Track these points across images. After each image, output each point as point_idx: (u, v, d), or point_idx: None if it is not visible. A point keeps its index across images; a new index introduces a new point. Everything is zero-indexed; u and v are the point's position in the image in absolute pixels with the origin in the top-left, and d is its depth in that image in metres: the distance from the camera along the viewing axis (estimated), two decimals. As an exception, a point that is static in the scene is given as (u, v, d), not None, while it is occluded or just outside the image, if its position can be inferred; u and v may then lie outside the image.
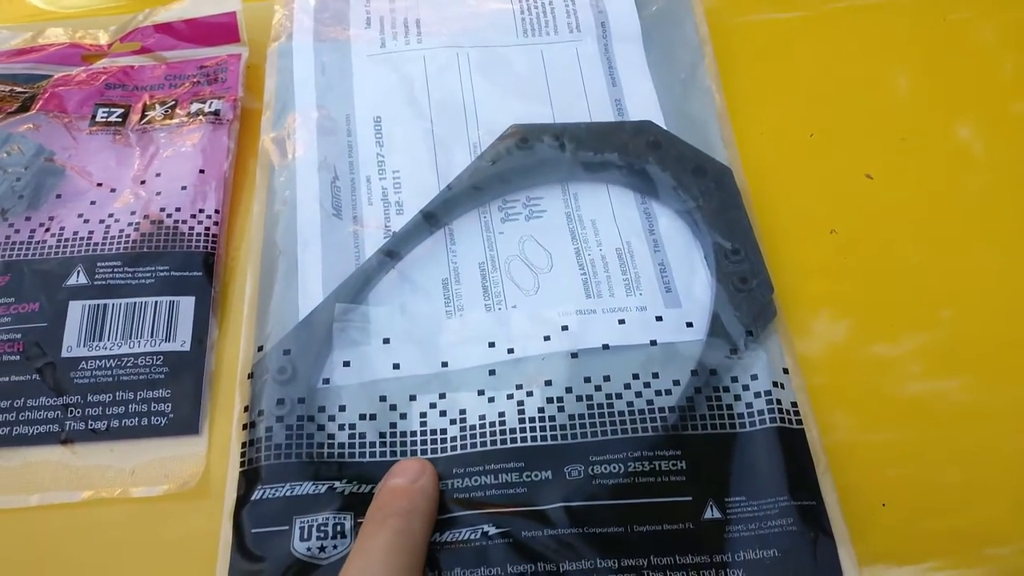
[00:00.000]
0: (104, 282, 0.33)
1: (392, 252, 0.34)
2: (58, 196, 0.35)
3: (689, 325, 0.32)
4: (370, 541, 0.25)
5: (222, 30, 0.40)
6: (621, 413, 0.30)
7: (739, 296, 0.32)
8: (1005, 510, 0.30)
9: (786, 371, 0.31)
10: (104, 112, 0.38)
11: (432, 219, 0.35)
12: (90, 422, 0.31)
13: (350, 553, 0.26)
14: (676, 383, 0.31)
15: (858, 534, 0.28)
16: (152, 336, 0.32)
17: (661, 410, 0.30)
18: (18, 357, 0.32)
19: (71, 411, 0.31)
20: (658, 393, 0.31)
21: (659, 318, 0.32)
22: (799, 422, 0.30)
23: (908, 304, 0.34)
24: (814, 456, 0.30)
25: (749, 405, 0.30)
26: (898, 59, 0.41)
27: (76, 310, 0.32)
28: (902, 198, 0.37)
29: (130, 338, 0.32)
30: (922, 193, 0.37)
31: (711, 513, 0.28)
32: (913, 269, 0.35)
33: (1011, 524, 0.30)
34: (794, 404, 0.31)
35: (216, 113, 0.38)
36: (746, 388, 0.31)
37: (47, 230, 0.34)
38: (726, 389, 0.31)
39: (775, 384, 0.31)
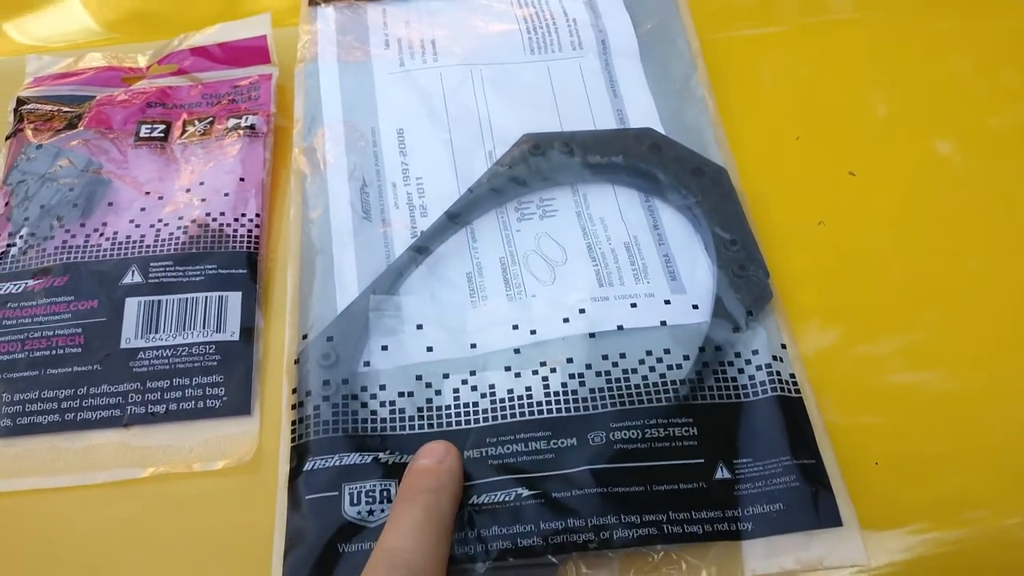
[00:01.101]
0: (157, 280, 0.36)
1: (421, 249, 0.37)
2: (110, 204, 0.38)
3: (695, 307, 0.35)
4: (402, 517, 0.28)
5: (253, 53, 0.44)
6: (637, 386, 0.33)
7: (738, 281, 0.36)
8: (982, 478, 0.33)
9: (784, 346, 0.35)
10: (147, 128, 0.41)
11: (456, 218, 0.38)
12: (149, 406, 0.33)
13: (384, 529, 0.28)
14: (686, 358, 0.34)
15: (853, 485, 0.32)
16: (204, 327, 0.35)
17: (673, 383, 0.33)
18: (79, 349, 0.34)
19: (131, 397, 0.33)
20: (670, 368, 0.34)
21: (667, 302, 0.36)
22: (797, 391, 0.33)
23: (893, 292, 0.37)
24: (812, 421, 0.33)
25: (752, 377, 0.33)
26: (875, 66, 0.45)
27: (132, 306, 0.35)
28: (882, 192, 0.40)
29: (183, 330, 0.35)
30: (900, 187, 0.41)
31: (721, 473, 0.31)
32: (893, 256, 0.38)
33: (987, 490, 0.33)
34: (792, 376, 0.34)
35: (252, 127, 0.41)
36: (748, 362, 0.34)
37: (101, 235, 0.37)
38: (730, 363, 0.34)
39: (774, 358, 0.34)
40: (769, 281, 0.36)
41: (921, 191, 0.41)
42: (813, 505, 0.31)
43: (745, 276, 0.36)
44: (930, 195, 0.40)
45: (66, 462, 0.33)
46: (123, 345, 0.34)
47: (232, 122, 0.41)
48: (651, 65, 0.44)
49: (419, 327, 0.35)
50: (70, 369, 0.34)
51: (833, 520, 0.30)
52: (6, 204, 0.38)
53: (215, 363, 0.34)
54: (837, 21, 0.47)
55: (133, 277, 0.36)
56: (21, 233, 0.37)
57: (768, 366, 0.34)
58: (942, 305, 0.37)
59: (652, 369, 0.34)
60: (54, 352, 0.34)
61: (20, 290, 0.36)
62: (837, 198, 0.40)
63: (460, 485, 0.30)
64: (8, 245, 0.37)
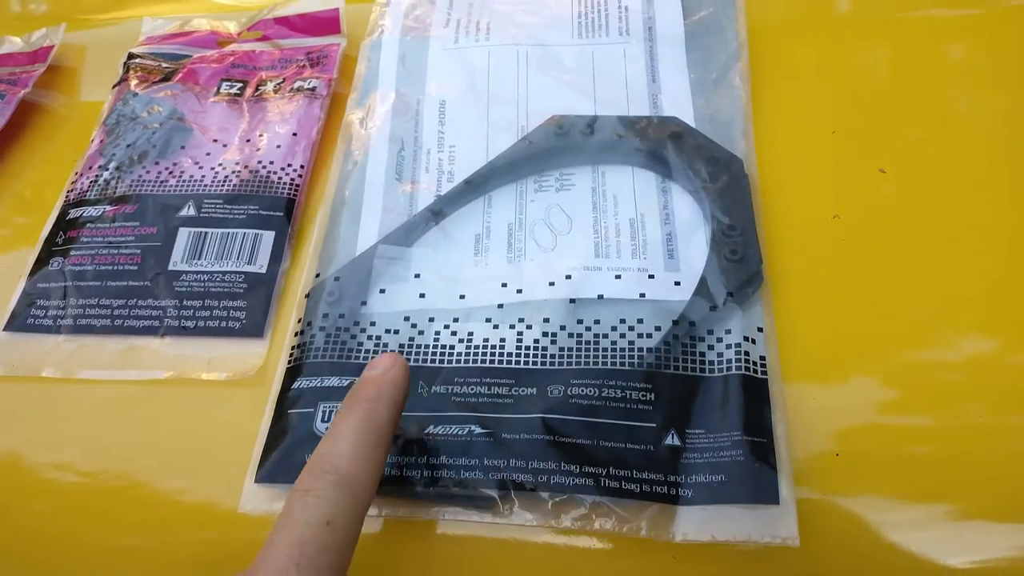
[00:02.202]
0: (208, 215, 0.41)
1: (437, 211, 0.40)
2: (183, 147, 0.44)
3: (677, 284, 0.37)
4: (338, 424, 0.28)
5: (327, 23, 0.49)
6: (605, 350, 0.35)
7: (727, 264, 0.36)
8: (955, 479, 0.33)
9: (760, 329, 0.35)
10: (227, 85, 0.47)
11: (472, 186, 0.41)
12: (182, 321, 0.38)
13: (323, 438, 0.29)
14: (657, 329, 0.35)
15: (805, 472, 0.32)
16: (238, 259, 0.40)
17: (640, 350, 0.35)
18: (136, 267, 0.40)
19: (169, 311, 0.39)
20: (640, 336, 0.35)
21: (651, 276, 0.37)
22: (764, 373, 0.34)
23: (890, 293, 0.37)
24: (772, 403, 0.33)
25: (720, 355, 0.34)
26: (931, 66, 0.44)
27: (184, 235, 0.41)
28: (910, 192, 0.40)
29: (221, 259, 0.40)
30: (930, 190, 0.40)
31: (671, 440, 0.33)
32: (898, 256, 0.38)
33: (960, 489, 0.32)
34: (762, 358, 0.34)
35: (313, 89, 0.45)
36: (719, 340, 0.35)
37: (171, 173, 0.43)
38: (701, 339, 0.35)
39: (746, 339, 0.34)
40: (762, 267, 0.36)
41: (951, 197, 0.39)
42: (754, 481, 0.31)
43: (736, 260, 0.36)
44: (959, 203, 0.39)
45: (109, 360, 0.38)
46: (170, 267, 0.40)
47: (298, 83, 0.46)
48: (695, 53, 0.45)
49: (417, 276, 0.38)
50: (126, 283, 0.40)
51: (771, 497, 0.31)
52: (101, 141, 0.45)
53: (242, 290, 0.39)
54: (894, 19, 0.46)
55: (189, 210, 0.41)
56: (109, 166, 0.44)
57: (738, 346, 0.34)
58: (939, 314, 0.36)
59: (623, 336, 0.35)
60: (116, 268, 0.40)
61: (99, 214, 0.42)
62: (859, 193, 0.40)
63: (401, 394, 0.30)
64: (97, 175, 0.44)
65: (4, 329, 0.40)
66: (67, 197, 0.44)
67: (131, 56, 0.49)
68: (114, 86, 0.48)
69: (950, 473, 0.33)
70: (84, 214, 0.42)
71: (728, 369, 0.34)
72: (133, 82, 0.47)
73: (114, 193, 0.43)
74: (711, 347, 0.35)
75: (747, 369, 0.34)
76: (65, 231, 0.42)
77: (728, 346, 0.34)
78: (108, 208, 0.42)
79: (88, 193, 0.43)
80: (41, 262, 0.41)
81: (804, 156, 0.42)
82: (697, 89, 0.44)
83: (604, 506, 0.32)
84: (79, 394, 0.38)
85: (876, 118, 0.43)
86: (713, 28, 0.46)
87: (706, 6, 0.47)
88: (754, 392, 0.33)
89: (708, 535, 0.31)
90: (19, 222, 0.45)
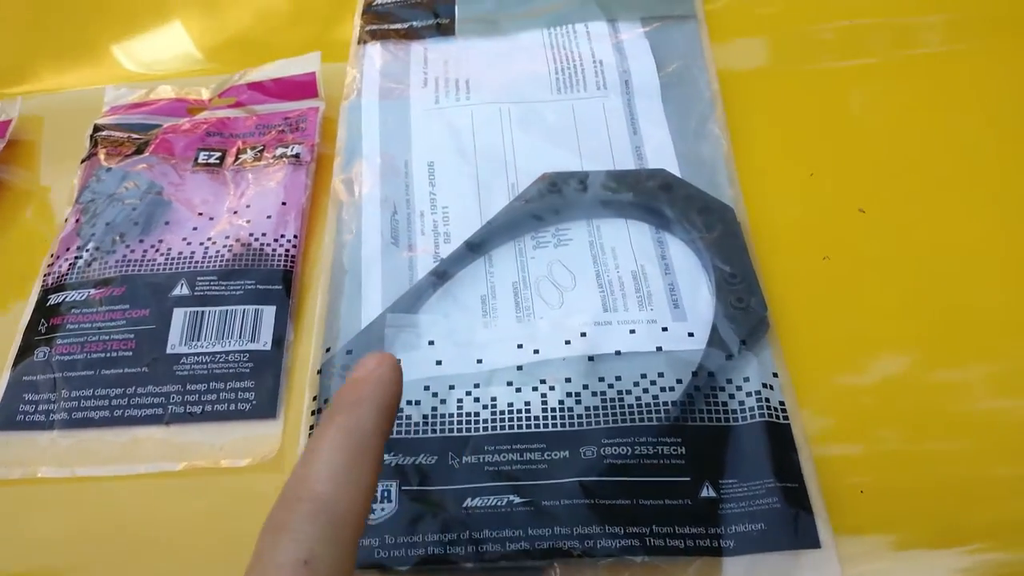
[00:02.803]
0: (202, 293, 0.40)
1: (441, 274, 0.40)
2: (167, 223, 0.43)
3: (691, 335, 0.37)
4: (314, 441, 0.23)
5: (303, 88, 0.48)
6: (630, 406, 0.35)
7: (735, 312, 0.37)
8: (974, 509, 0.34)
9: (775, 375, 0.36)
10: (205, 155, 0.45)
11: (475, 248, 0.41)
12: (187, 406, 0.37)
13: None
14: (679, 382, 0.36)
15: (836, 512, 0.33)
16: (240, 337, 0.39)
17: (665, 404, 0.35)
18: (131, 353, 0.38)
19: (172, 397, 0.37)
20: (663, 390, 0.36)
21: (665, 328, 0.38)
22: (786, 418, 0.35)
23: (888, 327, 0.39)
24: (798, 447, 0.34)
25: (741, 403, 0.35)
26: (885, 105, 0.46)
27: (179, 316, 0.39)
28: (889, 230, 0.42)
29: (222, 338, 0.39)
30: (908, 226, 0.42)
31: (707, 492, 0.33)
32: (890, 292, 0.39)
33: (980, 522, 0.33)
34: (781, 403, 0.35)
35: (297, 156, 0.45)
36: (739, 388, 0.36)
37: (157, 251, 0.41)
38: (722, 389, 0.36)
39: (764, 385, 0.35)
40: (767, 313, 0.38)
41: (929, 231, 0.41)
42: (793, 527, 0.32)
43: (743, 307, 0.38)
44: (937, 236, 0.41)
45: (112, 454, 0.36)
46: (168, 350, 0.38)
47: (280, 151, 0.45)
48: (671, 105, 0.47)
49: (431, 343, 0.38)
50: (121, 371, 0.38)
51: (812, 542, 0.32)
52: (76, 221, 0.43)
53: (248, 370, 0.38)
54: (858, 66, 0.48)
55: (181, 289, 0.40)
56: (88, 247, 0.42)
57: (758, 393, 0.35)
58: (935, 344, 0.38)
59: (645, 391, 0.36)
60: (108, 355, 0.38)
61: (83, 298, 0.40)
62: (844, 234, 0.42)
63: (391, 396, 0.25)
64: (76, 257, 0.42)
65: (-9, 428, 0.37)
66: (45, 282, 0.42)
67: (96, 128, 0.47)
68: (83, 161, 0.46)
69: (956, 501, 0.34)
70: (66, 299, 0.40)
71: (752, 417, 0.35)
72: (102, 156, 0.46)
73: (97, 275, 0.41)
74: (732, 396, 0.35)
75: (769, 416, 0.35)
76: (47, 318, 0.40)
77: (748, 394, 0.35)
78: (93, 291, 0.40)
79: (68, 277, 0.41)
80: (24, 352, 0.39)
81: (787, 200, 0.43)
82: (678, 139, 0.45)
83: (652, 565, 0.32)
84: (83, 494, 0.36)
85: (849, 159, 0.45)
86: (686, 79, 0.48)
87: (676, 59, 0.49)
88: (779, 438, 0.34)
89: (754, 585, 0.32)
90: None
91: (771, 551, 0.32)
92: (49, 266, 0.42)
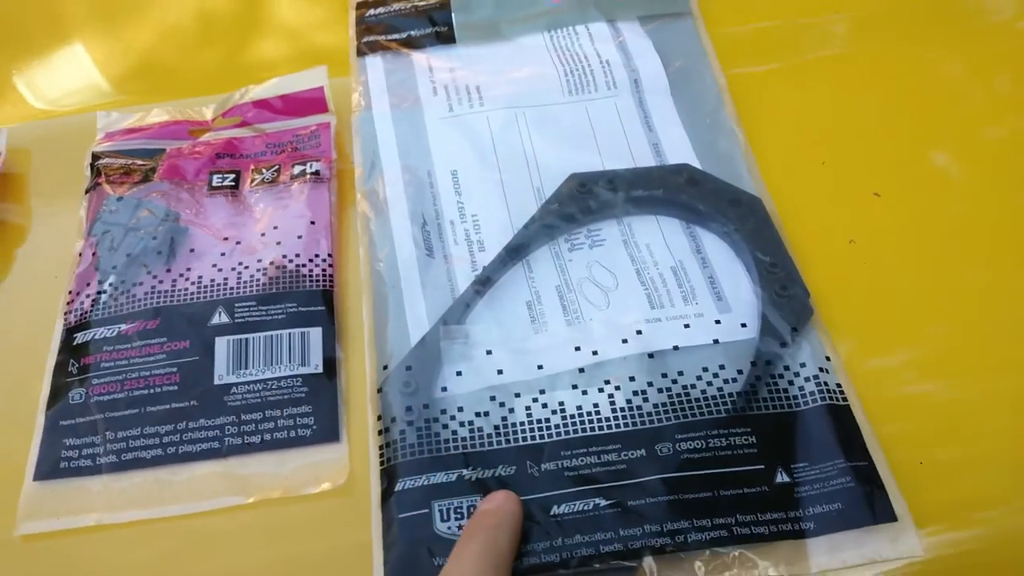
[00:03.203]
0: (243, 320, 0.39)
1: (484, 280, 0.40)
2: (191, 250, 0.41)
3: (743, 326, 0.38)
4: (461, 549, 0.30)
5: (312, 104, 0.47)
6: (697, 400, 0.36)
7: (780, 300, 0.38)
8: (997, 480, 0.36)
9: (828, 358, 0.37)
10: (219, 178, 0.44)
11: (514, 252, 0.41)
12: (245, 437, 0.36)
13: (446, 562, 0.30)
14: (739, 372, 0.37)
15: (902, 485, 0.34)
16: (290, 362, 0.38)
17: (730, 395, 0.36)
18: (176, 387, 0.37)
19: (227, 429, 0.36)
20: (725, 381, 0.36)
21: (718, 321, 0.38)
22: (844, 399, 0.36)
23: (922, 304, 0.40)
24: (860, 426, 0.35)
25: (801, 388, 0.36)
26: (882, 94, 0.48)
27: (222, 345, 0.38)
28: (905, 211, 0.43)
29: (271, 364, 0.37)
30: (922, 205, 0.43)
31: (781, 477, 0.34)
32: (919, 270, 0.41)
33: (1002, 491, 0.35)
34: (839, 385, 0.36)
35: (317, 173, 0.44)
36: (797, 374, 0.37)
37: (187, 279, 0.40)
38: (780, 376, 0.37)
39: (820, 370, 0.37)
40: (809, 299, 0.39)
41: (941, 207, 0.43)
42: (869, 503, 0.33)
43: (787, 296, 0.39)
44: (950, 211, 0.43)
45: (172, 493, 0.35)
46: (216, 381, 0.37)
47: (298, 169, 0.44)
48: (682, 101, 0.48)
49: (488, 352, 0.38)
50: (168, 406, 0.37)
51: (888, 516, 0.33)
52: (93, 254, 0.41)
53: (303, 395, 0.37)
54: (843, 55, 0.50)
55: (220, 317, 0.39)
56: (110, 281, 0.40)
57: (816, 377, 0.36)
58: (969, 314, 0.40)
59: (709, 384, 0.36)
60: (152, 391, 0.37)
61: (114, 334, 0.38)
62: (864, 218, 0.43)
63: (518, 525, 0.32)
64: (98, 292, 0.40)
65: (35, 479, 0.35)
66: (67, 320, 0.40)
67: (95, 156, 0.45)
68: (87, 191, 0.44)
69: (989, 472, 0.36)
70: (95, 336, 0.39)
71: (813, 401, 0.36)
72: (107, 185, 0.44)
73: (126, 309, 0.39)
74: (791, 383, 0.36)
75: (830, 398, 0.36)
76: (77, 358, 0.38)
77: (807, 379, 0.36)
78: (124, 327, 0.39)
79: (92, 313, 0.39)
80: (56, 396, 0.37)
81: (805, 189, 0.45)
82: (693, 134, 0.46)
83: (742, 554, 0.33)
84: (149, 537, 0.34)
85: (858, 146, 0.46)
86: (692, 75, 0.49)
87: (679, 56, 0.50)
88: (842, 418, 0.35)
89: (840, 562, 0.33)
90: (12, 353, 0.40)
91: (850, 528, 0.33)
92: (69, 303, 0.40)
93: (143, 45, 0.55)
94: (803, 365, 0.37)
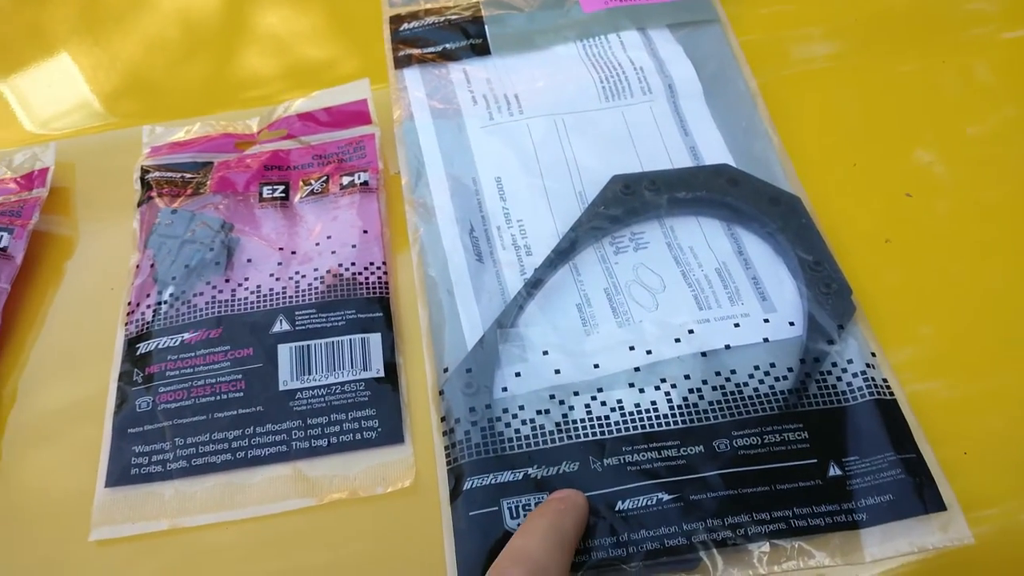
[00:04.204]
0: (304, 327, 0.40)
1: (535, 283, 0.41)
2: (248, 260, 0.42)
3: (791, 324, 0.39)
4: (529, 524, 0.32)
5: (355, 116, 0.48)
6: (750, 397, 0.37)
7: (825, 298, 0.40)
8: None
9: (874, 354, 0.38)
10: (269, 189, 0.45)
11: (563, 255, 0.42)
12: (312, 441, 0.37)
13: (514, 534, 0.31)
14: (790, 370, 0.38)
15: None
16: (352, 367, 0.39)
17: (782, 392, 0.37)
18: (242, 394, 0.38)
19: (294, 433, 0.37)
20: (777, 379, 0.38)
21: (766, 320, 0.39)
22: (891, 394, 0.37)
23: (960, 300, 0.41)
24: (908, 420, 0.37)
25: (849, 384, 0.37)
26: (902, 98, 0.50)
27: (285, 352, 0.39)
28: (937, 210, 0.45)
29: (334, 370, 0.39)
30: (952, 205, 0.45)
31: (834, 471, 0.35)
32: (954, 266, 0.42)
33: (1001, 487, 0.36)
34: (885, 380, 0.38)
35: (366, 183, 0.45)
36: (844, 371, 0.38)
37: (246, 289, 0.41)
38: (829, 372, 0.38)
39: (868, 365, 0.38)
40: (852, 297, 0.40)
41: (972, 206, 0.45)
42: (919, 494, 0.34)
43: (831, 293, 0.40)
44: (981, 208, 0.45)
45: (243, 496, 0.36)
46: (281, 387, 0.38)
47: (346, 179, 0.45)
48: (716, 105, 0.49)
49: (545, 353, 0.39)
50: (235, 412, 0.38)
51: (938, 505, 0.34)
52: (151, 266, 0.42)
53: (366, 398, 0.38)
54: (881, 54, 0.51)
55: (281, 325, 0.40)
56: (170, 291, 0.41)
57: (863, 373, 0.37)
58: (1004, 311, 0.41)
59: (761, 382, 0.38)
60: (219, 397, 0.38)
61: (177, 343, 0.39)
62: (899, 218, 0.44)
63: (584, 516, 0.33)
64: (158, 303, 0.41)
65: (107, 486, 0.36)
66: (128, 331, 0.41)
67: (144, 171, 0.46)
68: (139, 204, 0.45)
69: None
70: (158, 346, 0.39)
71: (861, 396, 0.37)
72: (159, 198, 0.45)
73: (187, 319, 0.40)
74: (839, 379, 0.38)
75: (877, 393, 0.37)
76: (141, 368, 0.39)
77: (854, 375, 0.37)
78: (187, 336, 0.40)
79: (154, 324, 0.40)
80: (123, 405, 0.38)
81: (839, 190, 0.46)
82: (728, 138, 0.47)
83: (799, 545, 0.34)
84: (219, 540, 0.35)
85: (888, 148, 0.47)
86: (723, 80, 0.50)
87: (709, 61, 0.51)
88: (890, 413, 0.37)
89: (893, 550, 0.34)
90: (74, 364, 0.41)
91: (902, 519, 0.34)
92: (129, 315, 0.41)
93: (186, 60, 0.56)
94: (850, 361, 0.38)
